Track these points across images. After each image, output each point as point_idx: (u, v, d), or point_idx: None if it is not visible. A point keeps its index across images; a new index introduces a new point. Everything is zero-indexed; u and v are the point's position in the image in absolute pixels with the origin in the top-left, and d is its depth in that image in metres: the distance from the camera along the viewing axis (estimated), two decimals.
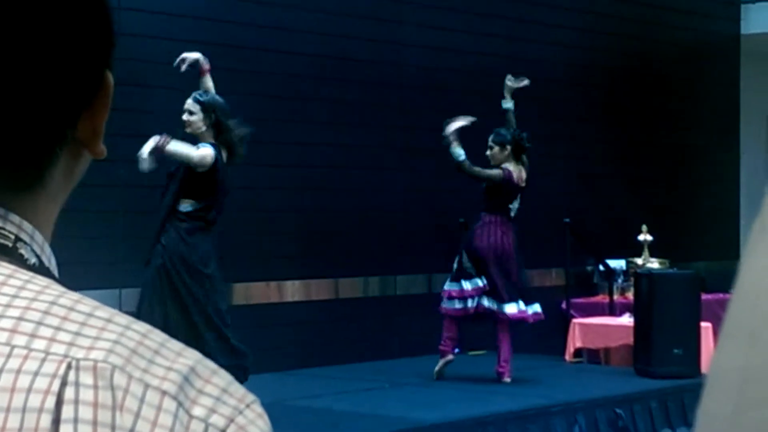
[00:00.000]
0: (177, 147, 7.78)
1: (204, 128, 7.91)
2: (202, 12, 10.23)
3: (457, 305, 9.64)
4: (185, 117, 7.93)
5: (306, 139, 10.86)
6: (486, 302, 9.58)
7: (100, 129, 1.01)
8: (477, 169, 9.60)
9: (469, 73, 12.09)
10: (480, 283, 9.57)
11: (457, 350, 10.41)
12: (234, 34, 10.40)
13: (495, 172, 9.61)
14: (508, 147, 9.70)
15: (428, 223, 11.55)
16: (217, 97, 8.06)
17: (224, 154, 7.96)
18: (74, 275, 8.61)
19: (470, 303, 9.60)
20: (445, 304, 9.73)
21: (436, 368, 9.83)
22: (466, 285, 9.60)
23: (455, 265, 9.71)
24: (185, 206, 7.90)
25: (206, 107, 7.93)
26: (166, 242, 7.86)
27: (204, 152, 7.80)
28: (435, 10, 11.87)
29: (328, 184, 11.04)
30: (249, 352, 8.15)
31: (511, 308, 9.59)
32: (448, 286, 9.73)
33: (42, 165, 0.97)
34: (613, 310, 11.85)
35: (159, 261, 7.85)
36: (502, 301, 9.57)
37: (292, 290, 10.87)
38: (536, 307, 9.73)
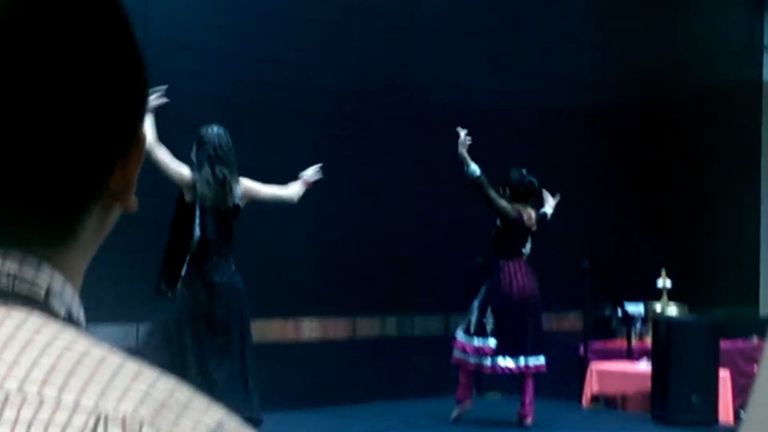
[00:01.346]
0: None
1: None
2: (218, 47, 10.26)
3: (472, 360, 9.56)
4: None
5: (324, 176, 10.85)
6: (502, 362, 9.50)
7: (132, 182, 1.03)
8: (493, 192, 9.55)
9: (488, 111, 12.09)
10: (494, 343, 9.47)
11: (474, 391, 10.37)
12: (252, 70, 10.43)
13: (508, 206, 9.56)
14: (507, 189, 9.68)
15: (446, 261, 11.52)
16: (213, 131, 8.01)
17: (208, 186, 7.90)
18: (92, 310, 8.63)
19: (486, 362, 9.52)
20: (458, 355, 9.64)
21: (454, 414, 9.76)
22: (480, 342, 9.51)
23: (473, 318, 9.59)
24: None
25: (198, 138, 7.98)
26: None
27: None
28: (453, 48, 11.89)
29: (345, 220, 11.03)
30: None
31: (530, 360, 9.53)
32: (464, 338, 9.61)
33: (75, 218, 0.98)
34: (631, 355, 11.78)
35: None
36: (519, 354, 9.49)
37: (309, 328, 10.85)
38: (540, 359, 9.62)
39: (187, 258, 7.77)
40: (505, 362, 9.48)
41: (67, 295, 0.98)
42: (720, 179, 14.65)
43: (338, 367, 10.93)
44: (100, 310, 8.94)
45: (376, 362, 11.22)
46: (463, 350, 9.59)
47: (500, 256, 9.63)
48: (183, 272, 7.77)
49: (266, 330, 10.50)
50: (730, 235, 14.69)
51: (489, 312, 9.49)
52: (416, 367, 11.35)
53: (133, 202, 1.04)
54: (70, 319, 0.97)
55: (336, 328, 11.05)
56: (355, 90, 11.12)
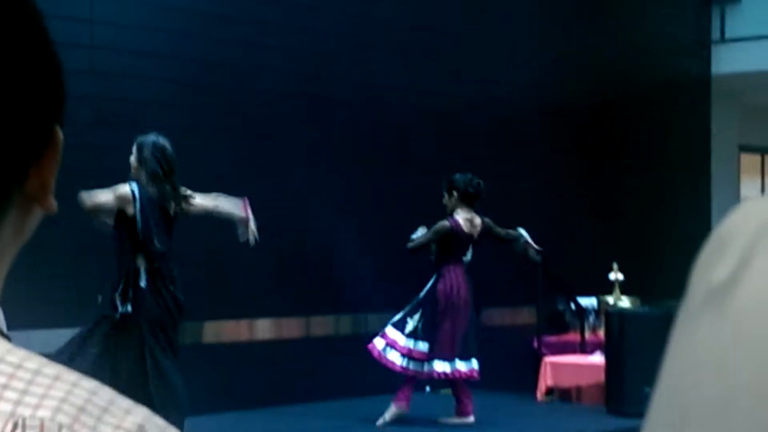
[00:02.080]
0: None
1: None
2: (176, 51, 10.23)
3: (402, 363, 9.52)
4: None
5: (278, 178, 10.85)
6: (437, 367, 9.49)
7: (49, 184, 1.00)
8: (420, 236, 9.60)
9: (443, 114, 12.13)
10: (426, 347, 9.47)
11: (428, 388, 10.37)
12: (209, 74, 10.41)
13: (440, 225, 9.60)
14: (455, 193, 9.67)
15: (398, 259, 11.53)
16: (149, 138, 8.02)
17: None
18: (44, 314, 8.56)
19: (422, 367, 9.51)
20: (389, 356, 9.57)
21: (387, 417, 9.66)
22: (413, 344, 9.52)
23: (413, 318, 9.58)
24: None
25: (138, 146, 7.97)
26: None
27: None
28: (408, 52, 11.91)
29: (297, 222, 11.02)
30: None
31: (460, 366, 9.53)
32: (406, 342, 9.57)
33: None
34: (584, 348, 11.84)
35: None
36: (453, 359, 9.50)
37: (263, 328, 10.84)
38: (473, 364, 9.61)
39: (145, 269, 7.79)
40: (441, 366, 9.48)
41: None
42: (672, 172, 14.75)
43: (293, 367, 10.92)
44: (53, 313, 8.89)
45: (330, 361, 11.22)
46: (392, 346, 9.57)
47: (441, 263, 9.67)
48: (144, 285, 7.78)
49: (220, 331, 10.48)
50: (681, 227, 14.79)
51: (420, 315, 9.52)
52: (371, 365, 11.35)
53: (53, 204, 1.01)
54: None
55: (290, 328, 11.04)
56: (311, 94, 11.11)
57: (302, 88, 11.05)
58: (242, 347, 10.59)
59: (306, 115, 11.08)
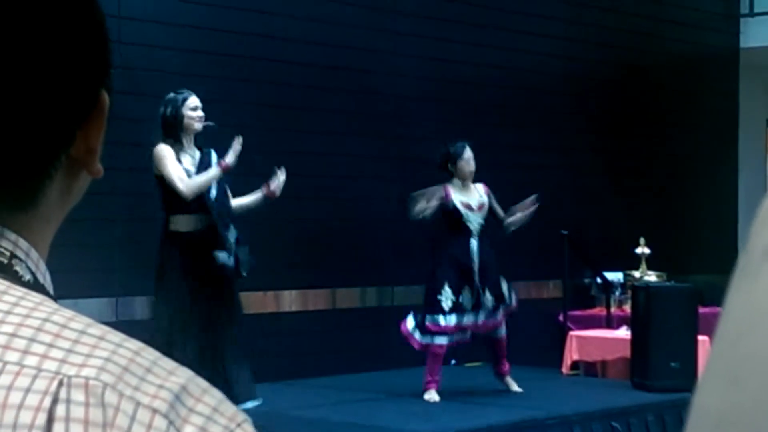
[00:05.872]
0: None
1: None
2: (194, 21, 10.23)
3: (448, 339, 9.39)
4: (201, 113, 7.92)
5: (301, 149, 10.84)
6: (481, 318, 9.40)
7: (96, 148, 1.02)
8: (433, 202, 9.44)
9: (464, 83, 12.09)
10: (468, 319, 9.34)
11: (453, 361, 10.35)
12: (226, 43, 10.40)
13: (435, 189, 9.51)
14: (449, 165, 9.55)
15: (425, 233, 11.51)
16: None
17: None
18: (71, 283, 8.61)
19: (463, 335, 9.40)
20: (440, 340, 9.43)
21: (436, 398, 9.51)
22: (459, 320, 9.35)
23: (449, 297, 9.42)
24: None
25: None
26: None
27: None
28: (429, 20, 11.87)
29: (324, 193, 11.03)
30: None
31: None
32: (446, 320, 9.39)
33: (36, 185, 0.98)
34: (610, 322, 11.83)
35: None
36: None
37: (290, 300, 10.86)
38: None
39: None
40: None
41: (32, 261, 0.98)
42: (698, 146, 14.69)
43: (319, 339, 10.94)
44: (79, 282, 8.93)
45: (356, 333, 11.23)
46: (444, 333, 9.39)
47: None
48: None
49: (246, 302, 10.48)
50: (708, 202, 14.74)
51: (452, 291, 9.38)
52: (396, 338, 11.36)
53: (99, 168, 1.03)
54: (36, 284, 0.97)
55: (316, 300, 11.06)
56: (329, 63, 11.08)
57: (322, 57, 11.02)
58: (268, 319, 10.61)
59: (326, 84, 11.06)
